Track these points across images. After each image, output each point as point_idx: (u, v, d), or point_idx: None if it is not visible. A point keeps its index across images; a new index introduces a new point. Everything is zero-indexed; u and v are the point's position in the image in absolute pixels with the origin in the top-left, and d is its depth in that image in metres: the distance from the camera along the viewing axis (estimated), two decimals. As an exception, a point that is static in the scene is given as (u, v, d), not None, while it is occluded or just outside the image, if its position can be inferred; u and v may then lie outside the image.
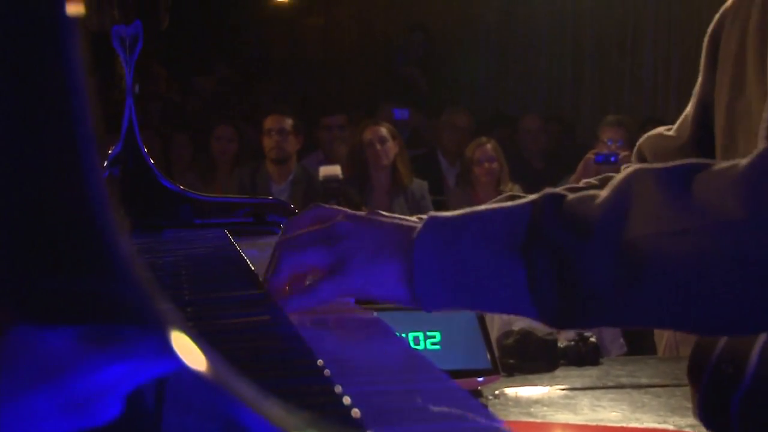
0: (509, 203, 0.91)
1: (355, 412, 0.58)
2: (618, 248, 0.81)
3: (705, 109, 1.24)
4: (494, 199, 1.28)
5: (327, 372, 0.68)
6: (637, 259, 0.80)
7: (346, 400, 0.61)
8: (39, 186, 0.47)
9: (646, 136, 1.38)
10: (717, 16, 1.25)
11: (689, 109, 1.29)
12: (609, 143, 5.05)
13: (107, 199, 0.46)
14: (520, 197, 1.24)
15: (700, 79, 1.27)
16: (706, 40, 1.25)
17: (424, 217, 0.92)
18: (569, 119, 7.31)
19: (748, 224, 0.77)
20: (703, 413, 1.11)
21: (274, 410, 0.47)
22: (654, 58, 7.48)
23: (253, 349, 0.80)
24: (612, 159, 4.82)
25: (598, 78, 7.78)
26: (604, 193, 0.86)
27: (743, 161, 0.80)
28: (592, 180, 1.36)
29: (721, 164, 0.82)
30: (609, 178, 1.35)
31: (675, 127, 1.33)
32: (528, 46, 8.12)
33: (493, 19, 8.27)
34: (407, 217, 0.95)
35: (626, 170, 0.89)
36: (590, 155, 4.84)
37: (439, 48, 8.01)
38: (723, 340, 1.09)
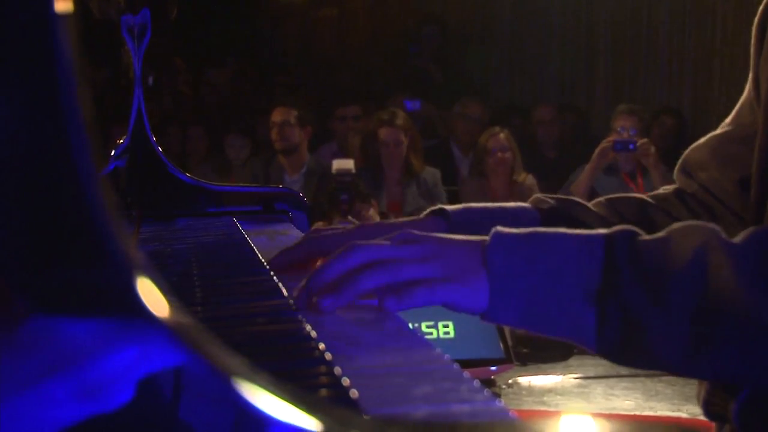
0: (578, 232, 0.90)
1: (354, 393, 0.59)
2: (690, 320, 0.84)
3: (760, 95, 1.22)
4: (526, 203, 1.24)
5: (328, 356, 0.69)
6: (709, 334, 0.84)
7: (345, 381, 0.62)
8: (36, 184, 0.48)
9: (692, 147, 1.31)
10: (762, 5, 1.22)
11: (744, 96, 1.26)
12: (621, 131, 5.02)
13: (103, 196, 0.47)
14: (546, 202, 1.22)
15: (753, 64, 1.23)
16: (753, 28, 1.23)
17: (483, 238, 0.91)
18: (583, 109, 7.28)
19: None
20: (705, 407, 1.12)
21: (275, 391, 0.48)
22: (668, 49, 7.43)
23: (258, 334, 0.81)
24: (630, 146, 4.78)
25: (612, 68, 7.74)
26: (678, 253, 0.87)
27: None
28: (631, 196, 1.32)
29: None
30: (620, 205, 1.30)
31: (729, 120, 1.28)
32: (541, 36, 8.09)
33: (507, 10, 8.25)
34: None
35: (695, 228, 0.89)
36: (608, 142, 4.81)
37: (453, 39, 7.99)
38: None
